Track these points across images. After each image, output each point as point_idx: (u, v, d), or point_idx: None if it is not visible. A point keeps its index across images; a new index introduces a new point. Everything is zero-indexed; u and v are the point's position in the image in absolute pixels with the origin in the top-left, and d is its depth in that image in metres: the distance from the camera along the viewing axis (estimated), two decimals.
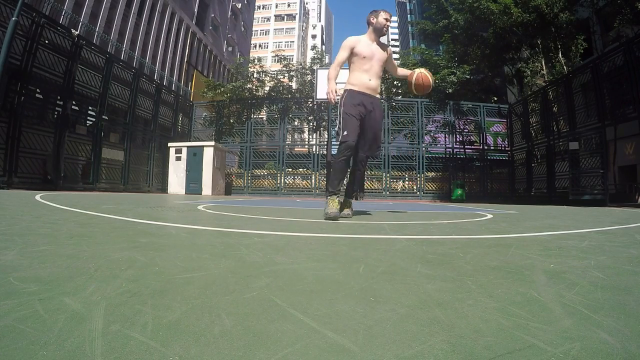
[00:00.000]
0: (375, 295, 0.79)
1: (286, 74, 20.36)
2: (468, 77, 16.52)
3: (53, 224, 1.97)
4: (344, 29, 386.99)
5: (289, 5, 76.30)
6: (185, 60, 32.30)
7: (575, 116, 11.93)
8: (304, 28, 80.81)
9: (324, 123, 16.15)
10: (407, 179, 15.78)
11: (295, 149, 18.61)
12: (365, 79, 3.11)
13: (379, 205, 7.54)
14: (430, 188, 15.57)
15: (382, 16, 3.11)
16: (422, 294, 0.81)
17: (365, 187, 14.58)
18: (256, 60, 21.34)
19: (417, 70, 3.40)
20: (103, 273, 0.91)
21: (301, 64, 21.28)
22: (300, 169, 15.94)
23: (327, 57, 25.52)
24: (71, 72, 9.87)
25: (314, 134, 16.96)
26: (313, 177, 15.47)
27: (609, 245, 1.68)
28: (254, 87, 19.46)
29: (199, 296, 0.75)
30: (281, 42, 73.35)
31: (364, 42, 3.12)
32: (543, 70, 16.34)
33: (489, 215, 4.01)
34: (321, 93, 13.38)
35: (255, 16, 62.00)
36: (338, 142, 3.04)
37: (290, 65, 20.80)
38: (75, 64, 10.05)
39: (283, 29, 75.12)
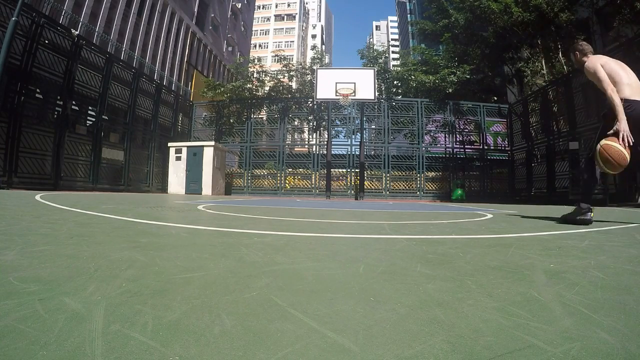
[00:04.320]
0: (375, 295, 0.79)
1: (286, 74, 20.35)
2: (468, 77, 16.50)
3: (53, 224, 1.97)
4: (344, 29, 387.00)
5: (289, 5, 76.23)
6: (185, 60, 32.28)
7: (575, 116, 11.91)
8: (304, 28, 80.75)
9: (324, 123, 16.14)
10: (407, 178, 15.77)
11: (295, 149, 18.62)
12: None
13: (379, 205, 7.53)
14: (430, 188, 15.56)
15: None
16: (422, 294, 0.80)
17: (365, 187, 14.58)
18: (256, 60, 21.33)
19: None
20: (103, 273, 0.91)
21: (301, 64, 21.28)
22: (300, 169, 15.94)
23: (326, 57, 25.46)
24: (71, 72, 9.86)
25: (314, 134, 16.95)
26: (313, 177, 15.47)
27: (609, 245, 1.68)
28: (254, 87, 19.44)
29: (199, 296, 0.75)
30: (281, 42, 73.24)
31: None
32: (543, 70, 16.34)
33: (489, 215, 4.01)
34: (321, 93, 13.38)
35: (255, 16, 61.93)
36: None
37: (290, 65, 20.79)
38: (75, 64, 10.04)
39: (283, 28, 75.04)
